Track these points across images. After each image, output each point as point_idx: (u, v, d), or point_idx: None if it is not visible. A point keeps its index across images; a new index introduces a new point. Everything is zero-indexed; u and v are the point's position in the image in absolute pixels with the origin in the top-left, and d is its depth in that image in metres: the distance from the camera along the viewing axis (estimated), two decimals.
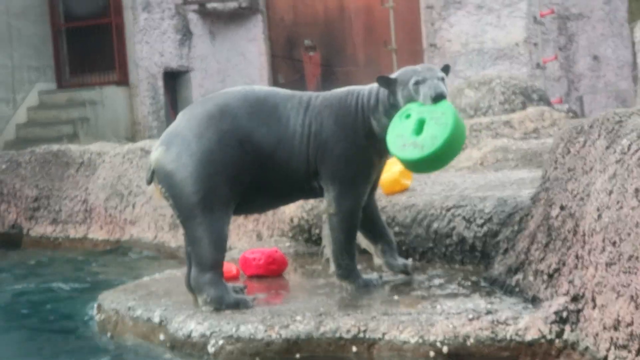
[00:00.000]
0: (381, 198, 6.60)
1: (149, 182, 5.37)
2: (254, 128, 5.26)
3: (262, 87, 5.82)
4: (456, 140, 5.03)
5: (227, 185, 5.21)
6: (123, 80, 16.49)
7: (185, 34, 17.09)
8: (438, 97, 5.06)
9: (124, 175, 10.09)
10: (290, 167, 5.31)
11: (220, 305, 5.12)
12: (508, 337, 4.34)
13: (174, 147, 5.22)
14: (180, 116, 5.44)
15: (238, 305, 5.13)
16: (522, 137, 9.00)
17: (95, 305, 6.05)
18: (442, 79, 5.23)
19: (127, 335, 5.44)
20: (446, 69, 5.41)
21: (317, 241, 6.80)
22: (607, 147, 4.22)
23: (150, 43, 16.54)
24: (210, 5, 17.20)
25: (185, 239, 5.40)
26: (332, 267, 5.46)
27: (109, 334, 5.61)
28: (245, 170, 5.24)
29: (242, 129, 5.25)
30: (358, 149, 5.34)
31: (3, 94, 15.82)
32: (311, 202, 7.22)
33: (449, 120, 4.96)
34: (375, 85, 5.39)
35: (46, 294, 7.93)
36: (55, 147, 11.49)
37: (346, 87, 5.58)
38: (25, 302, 7.66)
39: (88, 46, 16.74)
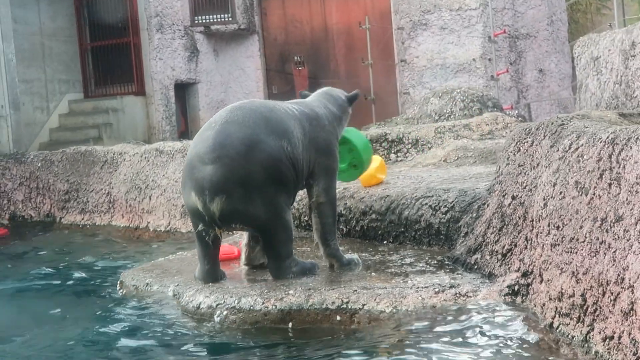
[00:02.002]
0: (360, 190, 6.61)
1: (220, 227, 5.10)
2: (281, 146, 5.11)
3: (252, 102, 5.61)
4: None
5: (286, 195, 5.21)
6: (140, 91, 16.43)
7: (193, 51, 17.05)
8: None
9: (142, 172, 10.07)
10: (301, 168, 5.26)
11: (305, 273, 5.19)
12: (468, 307, 4.34)
13: (236, 192, 4.97)
14: (216, 160, 5.02)
15: (314, 269, 5.29)
16: (479, 138, 9.01)
17: (118, 282, 6.04)
18: None
19: (144, 307, 5.44)
20: (354, 96, 5.85)
21: (306, 227, 6.80)
22: (552, 146, 4.23)
23: (163, 59, 16.49)
24: (214, 27, 17.18)
25: (265, 243, 5.31)
26: (322, 248, 5.44)
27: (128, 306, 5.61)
28: (289, 178, 5.17)
29: (276, 151, 5.08)
30: (337, 149, 5.55)
31: (38, 103, 15.74)
32: (300, 193, 7.21)
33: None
34: (316, 99, 5.73)
35: (76, 271, 7.91)
36: (83, 148, 11.48)
37: (296, 100, 5.76)
38: (58, 278, 7.64)
39: (110, 62, 16.70)
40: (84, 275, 7.64)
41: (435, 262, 5.34)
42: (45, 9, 16.10)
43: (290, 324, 4.58)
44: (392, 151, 8.94)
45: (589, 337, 3.48)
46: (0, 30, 13.08)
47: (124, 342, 4.92)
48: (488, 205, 5.10)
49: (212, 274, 5.29)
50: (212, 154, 5.03)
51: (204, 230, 5.11)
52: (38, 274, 8.04)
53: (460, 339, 4.04)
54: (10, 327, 5.88)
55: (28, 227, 11.13)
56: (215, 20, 17.17)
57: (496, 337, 3.98)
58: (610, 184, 3.50)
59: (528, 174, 4.49)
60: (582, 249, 3.62)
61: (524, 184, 4.50)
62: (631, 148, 3.42)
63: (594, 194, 3.61)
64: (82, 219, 10.75)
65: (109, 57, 16.73)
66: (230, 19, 17.22)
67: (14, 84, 13.35)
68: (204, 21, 17.17)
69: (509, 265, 4.44)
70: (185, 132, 16.82)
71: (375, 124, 12.77)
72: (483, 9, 15.93)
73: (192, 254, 6.39)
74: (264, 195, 5.07)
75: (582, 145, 3.85)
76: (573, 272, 3.66)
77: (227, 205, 4.96)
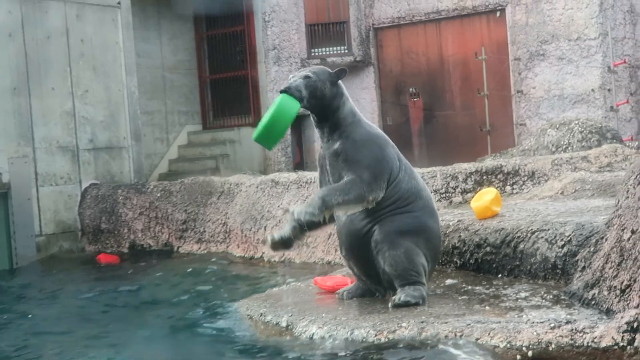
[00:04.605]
0: (474, 222, 6.55)
1: None
2: None
3: None
4: (273, 124, 5.33)
5: None
6: (257, 122, 16.66)
7: None
8: (282, 91, 5.38)
9: (257, 202, 10.18)
10: None
11: None
12: (585, 343, 4.24)
13: None
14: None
15: None
16: (597, 170, 8.82)
17: (233, 311, 6.12)
18: (305, 77, 5.46)
19: (259, 336, 5.49)
20: (340, 72, 5.57)
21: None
22: None
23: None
24: (330, 59, 17.33)
25: None
26: None
27: (243, 335, 5.67)
28: None
29: None
30: None
31: (158, 134, 16.15)
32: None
33: (271, 109, 5.33)
34: None
35: (192, 299, 8.06)
36: (200, 178, 11.68)
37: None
38: (174, 305, 7.79)
39: (228, 94, 17.00)
40: (200, 303, 7.77)
41: (551, 296, 5.24)
42: (167, 43, 16.55)
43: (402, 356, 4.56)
44: (508, 183, 8.83)
45: None
46: (125, 64, 13.46)
47: None
48: (606, 240, 4.98)
49: None
50: None
51: None
52: (154, 300, 8.22)
53: None
54: (124, 347, 6.03)
55: (146, 256, 11.38)
56: (331, 52, 17.33)
57: None
58: None
59: None
60: None
61: None
62: None
63: None
64: (199, 248, 10.93)
65: (227, 89, 17.05)
66: (346, 51, 17.37)
67: (136, 116, 13.71)
68: (320, 53, 17.36)
69: (628, 302, 4.32)
70: (300, 163, 16.97)
71: (491, 156, 12.65)
72: (603, 38, 15.64)
73: (305, 284, 6.44)
74: None
75: None
76: None
77: None
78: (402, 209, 5.36)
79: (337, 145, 5.44)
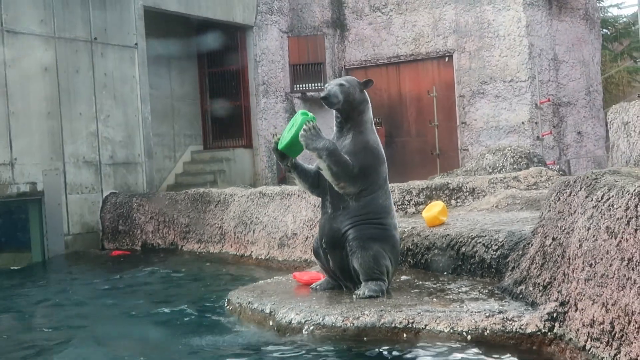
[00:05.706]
0: (425, 230, 6.57)
1: None
2: None
3: None
4: (295, 143, 5.23)
5: None
6: (248, 144, 16.65)
7: (292, 113, 17.22)
8: (322, 98, 5.36)
9: (248, 210, 10.16)
10: None
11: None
12: (514, 330, 4.26)
13: None
14: None
15: None
16: (526, 188, 8.87)
17: (226, 300, 6.10)
18: (340, 84, 5.38)
19: (247, 321, 5.47)
20: (367, 82, 5.53)
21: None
22: (587, 197, 4.15)
23: (267, 119, 16.71)
24: (309, 94, 17.36)
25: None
26: None
27: (234, 320, 5.65)
28: None
29: None
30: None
31: (167, 153, 16.08)
32: None
33: (294, 129, 5.24)
34: None
35: (192, 290, 8.02)
36: (201, 189, 11.64)
37: None
38: (177, 294, 7.75)
39: (225, 121, 16.98)
40: (198, 292, 7.73)
41: (487, 291, 5.26)
42: (175, 77, 16.51)
43: (365, 339, 4.57)
44: (453, 198, 8.86)
45: (616, 359, 3.38)
46: (140, 94, 13.42)
47: (226, 349, 4.96)
48: (532, 245, 5.02)
49: None
50: None
51: None
52: (162, 287, 8.17)
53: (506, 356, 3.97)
54: (123, 331, 5.99)
55: (155, 253, 11.33)
56: (310, 88, 17.36)
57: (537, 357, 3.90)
58: (636, 230, 3.42)
59: (566, 220, 4.41)
60: (611, 284, 3.53)
61: (563, 228, 4.41)
62: None
63: (622, 238, 3.53)
64: (199, 247, 10.88)
65: (224, 116, 17.02)
66: (322, 87, 17.36)
67: (149, 137, 13.66)
68: (301, 89, 17.38)
69: (549, 296, 4.35)
70: (284, 178, 16.95)
71: (440, 175, 12.70)
72: (531, 81, 15.77)
73: (285, 278, 6.42)
74: None
75: (613, 196, 3.77)
76: (603, 303, 3.57)
77: None
78: (375, 220, 5.34)
79: (348, 140, 5.40)
